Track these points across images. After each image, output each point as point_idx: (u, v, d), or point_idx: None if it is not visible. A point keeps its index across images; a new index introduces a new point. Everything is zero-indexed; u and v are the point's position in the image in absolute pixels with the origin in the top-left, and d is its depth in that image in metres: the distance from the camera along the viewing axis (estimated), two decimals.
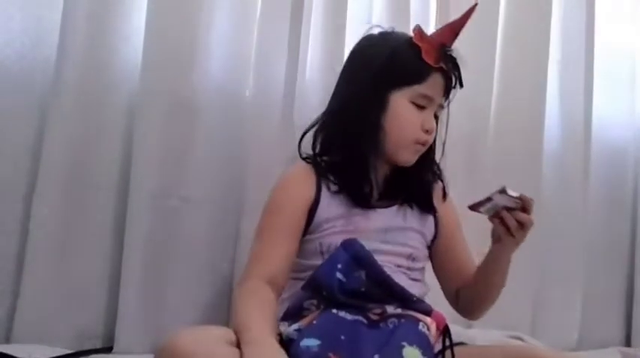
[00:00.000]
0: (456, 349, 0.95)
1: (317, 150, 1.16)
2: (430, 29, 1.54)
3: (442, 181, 1.23)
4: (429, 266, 1.21)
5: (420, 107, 1.12)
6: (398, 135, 1.12)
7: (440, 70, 1.11)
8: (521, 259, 1.57)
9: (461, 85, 1.15)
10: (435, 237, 1.20)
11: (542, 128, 1.64)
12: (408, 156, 1.14)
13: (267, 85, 1.38)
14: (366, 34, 1.19)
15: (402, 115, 1.12)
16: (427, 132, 1.13)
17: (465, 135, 1.58)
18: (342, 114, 1.14)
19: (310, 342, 0.87)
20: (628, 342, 1.81)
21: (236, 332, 0.92)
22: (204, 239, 1.32)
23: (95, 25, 1.24)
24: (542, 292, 1.67)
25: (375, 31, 1.19)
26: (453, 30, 1.13)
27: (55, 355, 1.12)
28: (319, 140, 1.16)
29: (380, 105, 1.11)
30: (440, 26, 1.53)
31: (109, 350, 1.25)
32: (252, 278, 1.06)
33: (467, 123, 1.58)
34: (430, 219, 1.20)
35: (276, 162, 1.32)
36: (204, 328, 0.98)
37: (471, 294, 1.18)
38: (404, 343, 0.87)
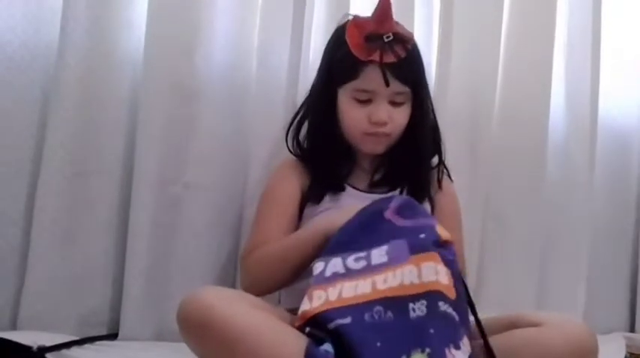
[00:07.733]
0: None
1: (296, 144, 1.23)
2: (435, 14, 1.53)
3: (443, 170, 1.24)
4: None
5: (364, 101, 1.13)
6: (347, 130, 1.16)
7: (374, 62, 1.10)
8: (525, 246, 1.60)
9: (407, 68, 1.13)
10: None
11: (547, 114, 1.62)
12: (368, 147, 1.18)
13: (270, 71, 1.37)
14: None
15: (346, 112, 1.15)
16: (376, 124, 1.13)
17: (468, 121, 1.56)
18: (308, 110, 1.21)
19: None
20: (632, 328, 1.81)
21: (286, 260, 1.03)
22: (207, 225, 1.32)
23: (97, 10, 1.23)
24: (546, 278, 1.67)
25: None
26: (378, 19, 1.12)
27: (60, 342, 1.12)
28: (297, 134, 1.24)
29: (330, 103, 1.15)
30: (444, 10, 1.53)
31: (114, 336, 1.25)
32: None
33: (470, 110, 1.56)
34: (427, 206, 1.19)
35: (279, 149, 1.32)
36: (224, 288, 0.99)
37: None
38: None
